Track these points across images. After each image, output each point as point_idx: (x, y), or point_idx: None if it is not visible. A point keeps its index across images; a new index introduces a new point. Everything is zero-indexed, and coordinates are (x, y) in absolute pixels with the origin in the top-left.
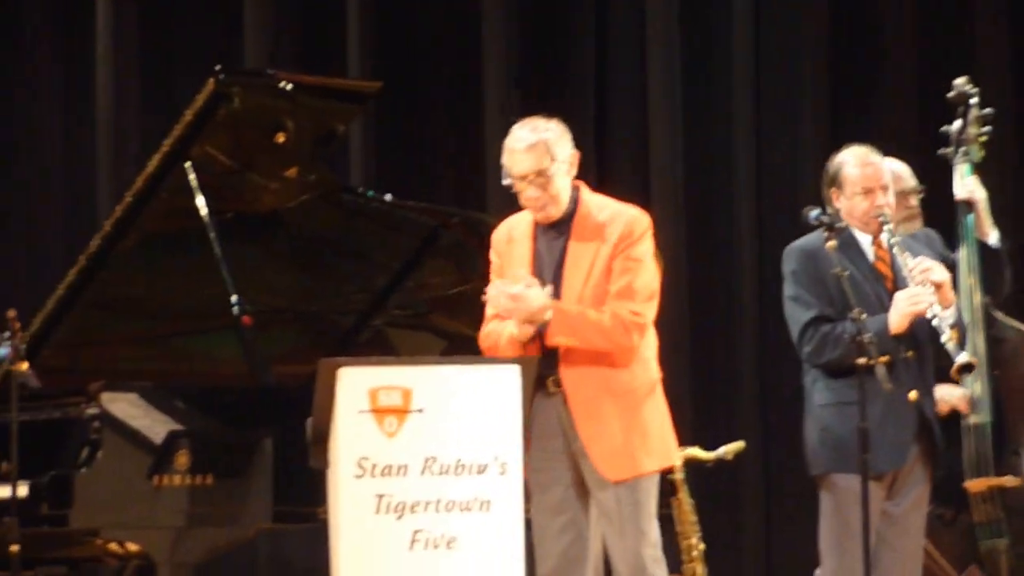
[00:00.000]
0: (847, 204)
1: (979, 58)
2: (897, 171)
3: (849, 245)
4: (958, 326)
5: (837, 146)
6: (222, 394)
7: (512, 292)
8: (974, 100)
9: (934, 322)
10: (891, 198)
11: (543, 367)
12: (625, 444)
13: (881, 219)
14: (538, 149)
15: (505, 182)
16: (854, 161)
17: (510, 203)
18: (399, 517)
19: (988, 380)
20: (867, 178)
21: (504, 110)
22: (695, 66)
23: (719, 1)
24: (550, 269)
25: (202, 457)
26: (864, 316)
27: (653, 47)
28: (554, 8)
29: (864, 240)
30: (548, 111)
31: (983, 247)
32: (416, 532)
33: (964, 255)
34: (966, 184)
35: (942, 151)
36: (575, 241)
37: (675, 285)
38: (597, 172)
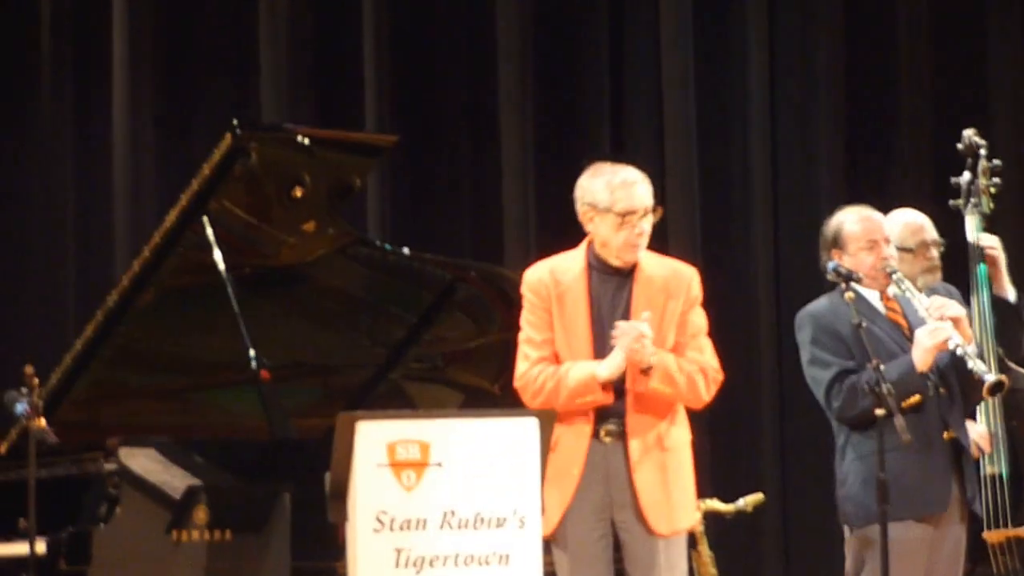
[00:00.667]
0: (851, 261)
1: (993, 108)
2: (919, 222)
3: (859, 302)
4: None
5: (855, 203)
6: (240, 449)
7: (642, 331)
8: (983, 151)
9: (958, 351)
10: (894, 250)
11: (600, 415)
12: (672, 498)
13: (889, 270)
14: (649, 186)
15: (599, 218)
16: (854, 218)
17: (527, 256)
18: (418, 571)
19: (1004, 430)
20: (870, 231)
21: (522, 166)
22: (711, 132)
23: (735, 67)
24: (610, 317)
25: (221, 512)
26: (882, 366)
27: (668, 108)
28: (570, 62)
29: (872, 296)
30: (564, 167)
31: (1002, 303)
32: None
33: (976, 304)
34: (989, 242)
35: (953, 202)
36: (640, 291)
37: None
38: None
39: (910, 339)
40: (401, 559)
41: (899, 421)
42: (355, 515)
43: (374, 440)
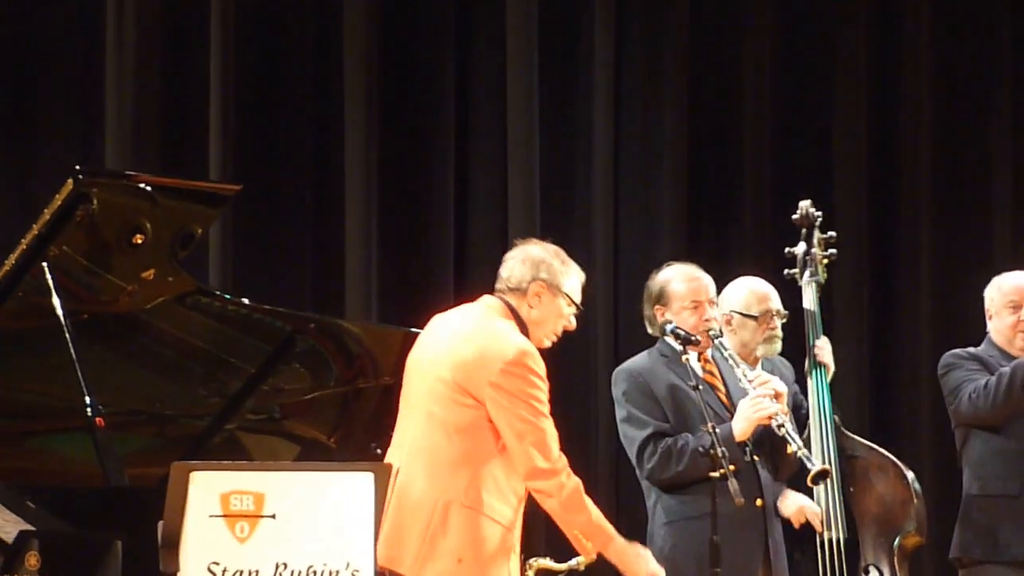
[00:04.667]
0: (674, 320)
1: (837, 179)
2: (765, 291)
3: (676, 362)
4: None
5: (695, 262)
6: (74, 496)
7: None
8: (819, 222)
9: (780, 432)
10: (717, 312)
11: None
12: None
13: (711, 332)
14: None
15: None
16: (680, 276)
17: (368, 309)
18: None
19: (841, 496)
20: (695, 291)
21: (364, 217)
22: (553, 201)
23: (580, 130)
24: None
25: (52, 559)
26: (716, 429)
27: (513, 174)
28: (415, 129)
29: (691, 356)
30: (410, 218)
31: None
32: None
33: (816, 404)
34: (823, 348)
35: (788, 272)
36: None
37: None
38: (455, 273)
39: (727, 405)
40: None
41: (733, 484)
42: (187, 565)
43: (208, 490)
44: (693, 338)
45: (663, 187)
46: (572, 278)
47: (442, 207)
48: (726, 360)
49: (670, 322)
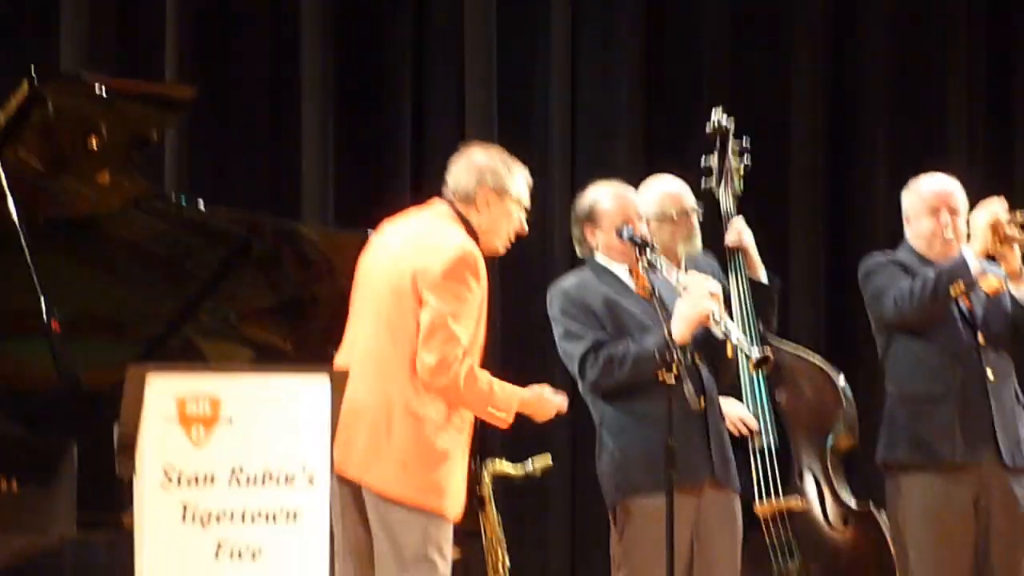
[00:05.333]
0: (604, 238)
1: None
2: (677, 190)
3: (609, 279)
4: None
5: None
6: (28, 398)
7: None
8: (731, 131)
9: (718, 326)
10: (646, 227)
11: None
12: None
13: (636, 241)
14: None
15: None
16: (608, 194)
17: (324, 214)
18: (205, 527)
19: (770, 403)
20: (623, 207)
21: (321, 121)
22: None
23: (538, 22)
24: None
25: (6, 461)
26: (671, 332)
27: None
28: (371, 31)
29: (620, 270)
30: (366, 122)
31: (757, 285)
32: (221, 542)
33: (735, 284)
34: (736, 228)
35: (705, 184)
36: None
37: (492, 314)
38: (412, 177)
39: (660, 313)
40: (188, 514)
41: (688, 388)
42: (143, 469)
43: (164, 394)
44: (651, 243)
45: (620, 96)
46: (518, 181)
47: (398, 110)
48: (659, 267)
49: (627, 227)
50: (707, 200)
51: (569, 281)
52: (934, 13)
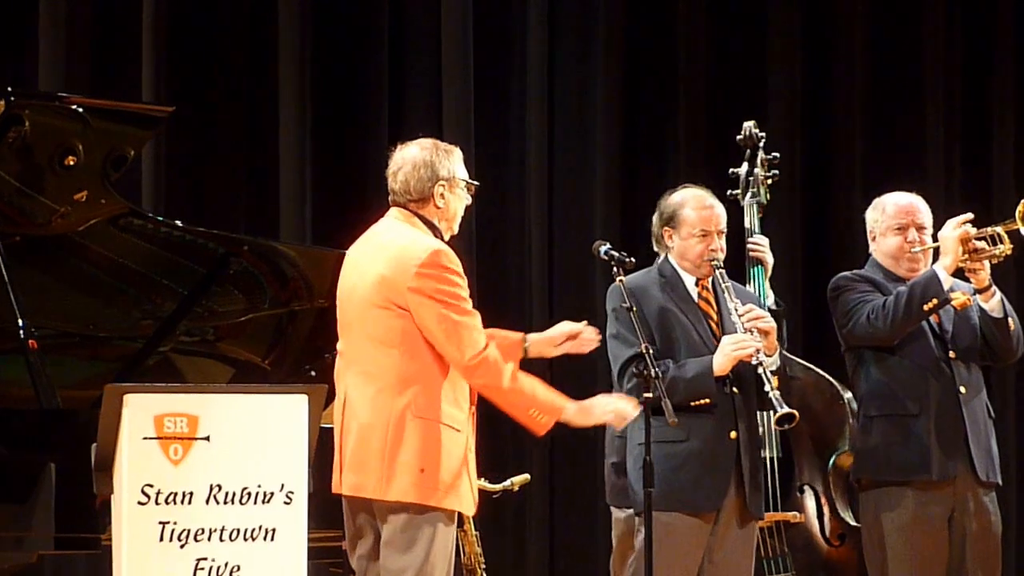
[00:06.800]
0: (680, 245)
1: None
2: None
3: (674, 285)
4: (780, 373)
5: (632, 187)
6: (6, 417)
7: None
8: (762, 143)
9: (759, 370)
10: (723, 242)
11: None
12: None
13: (714, 263)
14: None
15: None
16: (693, 203)
17: (303, 232)
18: (183, 545)
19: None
20: (705, 221)
21: (299, 138)
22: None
23: (514, 32)
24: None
25: None
26: (651, 350)
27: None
28: (347, 43)
29: (689, 280)
30: (344, 140)
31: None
32: (200, 560)
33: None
34: (760, 244)
35: (731, 193)
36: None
37: None
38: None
39: (716, 334)
40: (166, 533)
41: (667, 405)
42: (121, 488)
43: (142, 412)
44: (627, 260)
45: (598, 113)
46: (459, 162)
47: (376, 126)
48: (723, 292)
49: (604, 245)
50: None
51: (634, 280)
52: (909, 36)
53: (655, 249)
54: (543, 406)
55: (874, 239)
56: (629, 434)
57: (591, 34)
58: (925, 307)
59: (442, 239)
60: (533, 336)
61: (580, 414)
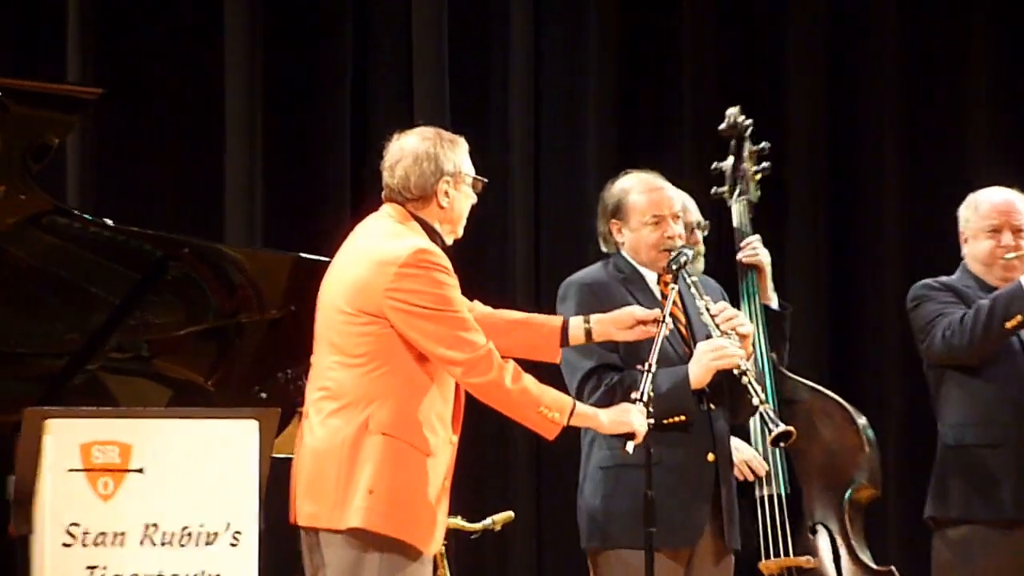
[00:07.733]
0: (632, 237)
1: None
2: (683, 204)
3: (634, 281)
4: (758, 378)
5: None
6: None
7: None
8: (749, 132)
9: (743, 380)
10: (682, 228)
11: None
12: None
13: (675, 252)
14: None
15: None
16: (640, 187)
17: (251, 233)
18: None
19: (783, 448)
20: (656, 205)
21: (247, 130)
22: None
23: (496, 57)
24: None
25: None
26: (653, 370)
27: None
28: (304, 23)
29: (650, 277)
30: (300, 129)
31: (768, 311)
32: None
33: (747, 312)
34: (753, 248)
35: (716, 191)
36: None
37: None
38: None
39: (686, 339)
40: None
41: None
42: (42, 526)
43: (66, 440)
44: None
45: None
46: (465, 155)
47: (337, 113)
48: (689, 287)
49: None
50: (716, 209)
51: (590, 276)
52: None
53: (603, 250)
54: (553, 403)
55: (965, 241)
56: (586, 454)
57: (582, 20)
58: (1008, 324)
59: (442, 245)
60: (597, 316)
61: (589, 418)
